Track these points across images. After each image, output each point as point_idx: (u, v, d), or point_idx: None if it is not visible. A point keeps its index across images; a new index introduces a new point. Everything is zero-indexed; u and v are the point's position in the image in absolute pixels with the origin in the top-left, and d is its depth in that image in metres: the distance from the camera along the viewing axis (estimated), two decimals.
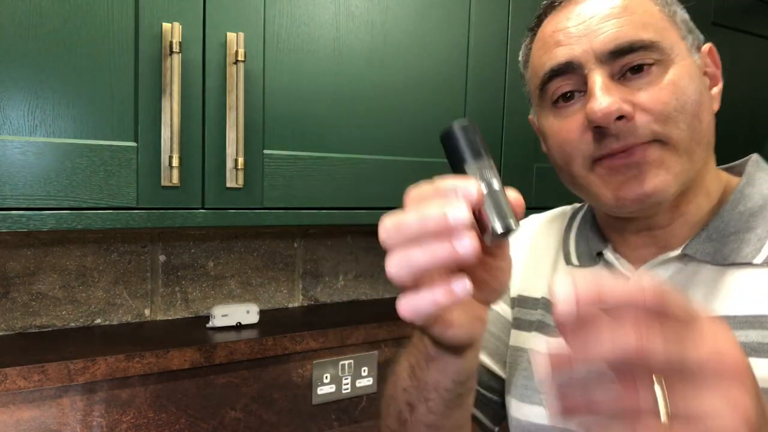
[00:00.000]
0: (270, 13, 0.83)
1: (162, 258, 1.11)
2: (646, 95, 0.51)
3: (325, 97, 0.89)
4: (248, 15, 0.81)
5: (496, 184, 0.39)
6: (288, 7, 0.85)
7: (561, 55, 0.54)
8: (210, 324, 1.09)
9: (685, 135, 0.51)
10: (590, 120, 0.52)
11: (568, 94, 0.55)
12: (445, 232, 0.35)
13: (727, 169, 0.61)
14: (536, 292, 0.67)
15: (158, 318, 1.12)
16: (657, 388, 0.29)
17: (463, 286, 0.36)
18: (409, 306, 0.37)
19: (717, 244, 0.54)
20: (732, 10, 1.37)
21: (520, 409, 0.63)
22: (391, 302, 1.35)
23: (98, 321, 1.07)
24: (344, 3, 0.89)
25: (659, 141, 0.51)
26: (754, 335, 0.50)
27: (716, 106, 0.57)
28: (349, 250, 1.32)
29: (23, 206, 0.70)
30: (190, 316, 1.15)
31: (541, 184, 1.11)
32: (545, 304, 0.65)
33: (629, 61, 0.52)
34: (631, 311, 0.30)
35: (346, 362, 1.19)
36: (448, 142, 0.42)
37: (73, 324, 1.05)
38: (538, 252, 0.70)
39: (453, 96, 1.01)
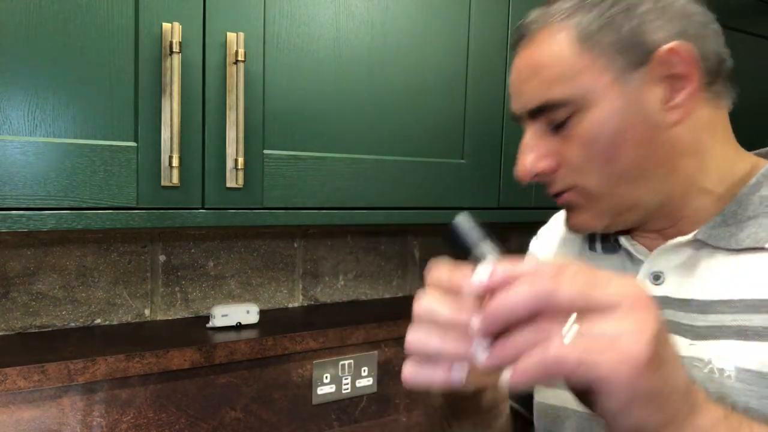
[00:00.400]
0: (270, 13, 0.83)
1: (162, 258, 1.11)
2: (565, 148, 0.56)
3: (325, 97, 0.89)
4: (248, 15, 0.81)
5: None
6: (288, 7, 0.85)
7: (510, 107, 0.61)
8: (210, 324, 1.09)
9: (597, 182, 0.55)
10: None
11: None
12: (469, 338, 0.39)
13: (765, 155, 0.61)
14: None
15: (158, 318, 1.12)
16: (570, 319, 0.35)
17: (459, 375, 0.39)
18: (410, 376, 0.40)
19: (733, 229, 0.54)
20: (732, 10, 1.37)
21: (540, 392, 0.67)
22: (391, 302, 1.35)
23: (98, 321, 1.07)
24: (344, 3, 0.89)
25: (576, 188, 0.57)
26: (758, 319, 0.51)
27: (675, 117, 0.53)
28: (349, 250, 1.32)
29: (23, 206, 0.70)
30: (190, 316, 1.15)
31: (541, 184, 1.11)
32: None
33: (549, 119, 0.56)
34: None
35: (346, 362, 1.19)
36: (453, 236, 0.47)
37: (73, 324, 1.05)
38: (566, 244, 0.73)
39: (453, 96, 1.01)
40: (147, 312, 1.11)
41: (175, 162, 0.75)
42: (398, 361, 1.26)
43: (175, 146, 0.75)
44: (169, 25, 0.75)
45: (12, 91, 0.69)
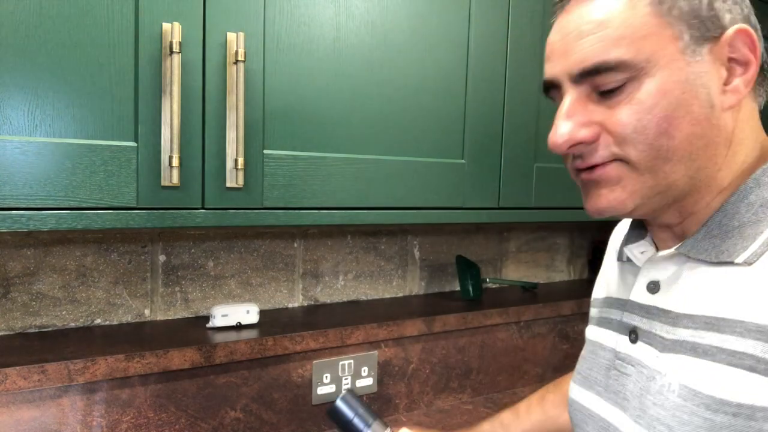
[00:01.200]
0: (270, 13, 0.83)
1: (162, 258, 1.11)
2: (610, 116, 0.52)
3: (325, 97, 0.89)
4: (248, 15, 0.81)
5: None
6: (288, 7, 0.85)
7: (547, 71, 0.56)
8: (210, 324, 1.09)
9: (645, 155, 0.51)
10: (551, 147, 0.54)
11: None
12: None
13: None
14: (601, 292, 0.73)
15: (158, 318, 1.12)
16: None
17: None
18: None
19: (717, 240, 0.53)
20: None
21: (572, 389, 0.69)
22: (391, 302, 1.35)
23: (98, 321, 1.07)
24: (344, 3, 0.89)
25: (620, 160, 0.53)
26: (710, 337, 0.50)
27: (730, 101, 0.52)
28: (349, 250, 1.32)
29: (23, 206, 0.70)
30: (190, 316, 1.15)
31: (541, 184, 1.11)
32: (605, 301, 0.70)
33: (600, 82, 0.52)
34: None
35: (346, 362, 1.19)
36: (336, 417, 0.54)
37: (73, 324, 1.05)
38: (609, 255, 0.76)
39: (453, 96, 1.01)
40: (147, 312, 1.11)
41: (175, 162, 0.75)
42: (398, 361, 1.26)
43: (175, 146, 0.75)
44: (169, 25, 0.75)
45: (12, 91, 0.69)
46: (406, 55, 0.95)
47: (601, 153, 0.53)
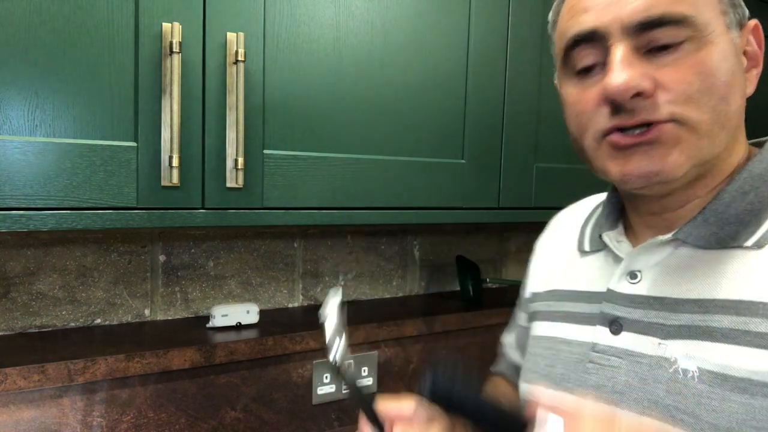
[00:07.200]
0: (270, 13, 0.83)
1: (162, 258, 1.11)
2: (671, 73, 0.49)
3: (325, 97, 0.89)
4: (248, 15, 0.81)
5: None
6: (288, 7, 0.85)
7: (586, 22, 0.52)
8: (210, 324, 1.09)
9: (707, 118, 0.49)
10: (606, 94, 0.50)
11: (591, 65, 0.53)
12: None
13: (757, 144, 0.59)
14: (540, 285, 0.72)
15: (158, 318, 1.12)
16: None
17: None
18: None
19: (714, 228, 0.53)
20: None
21: (528, 390, 0.68)
22: (391, 302, 1.35)
23: (98, 321, 1.07)
24: (344, 3, 0.89)
25: (677, 121, 0.49)
26: (726, 321, 0.50)
27: (750, 90, 0.54)
28: (349, 250, 1.32)
29: (23, 206, 0.70)
30: (190, 316, 1.15)
31: (541, 184, 1.11)
32: (553, 294, 0.69)
33: (658, 36, 0.49)
34: None
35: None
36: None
37: (73, 324, 1.05)
38: (555, 246, 0.73)
39: (453, 96, 1.01)
40: (147, 312, 1.11)
41: (175, 162, 0.75)
42: (398, 360, 1.26)
43: (175, 146, 0.75)
44: (169, 25, 0.75)
45: (12, 91, 0.69)
46: (406, 55, 0.95)
47: (660, 110, 0.49)
